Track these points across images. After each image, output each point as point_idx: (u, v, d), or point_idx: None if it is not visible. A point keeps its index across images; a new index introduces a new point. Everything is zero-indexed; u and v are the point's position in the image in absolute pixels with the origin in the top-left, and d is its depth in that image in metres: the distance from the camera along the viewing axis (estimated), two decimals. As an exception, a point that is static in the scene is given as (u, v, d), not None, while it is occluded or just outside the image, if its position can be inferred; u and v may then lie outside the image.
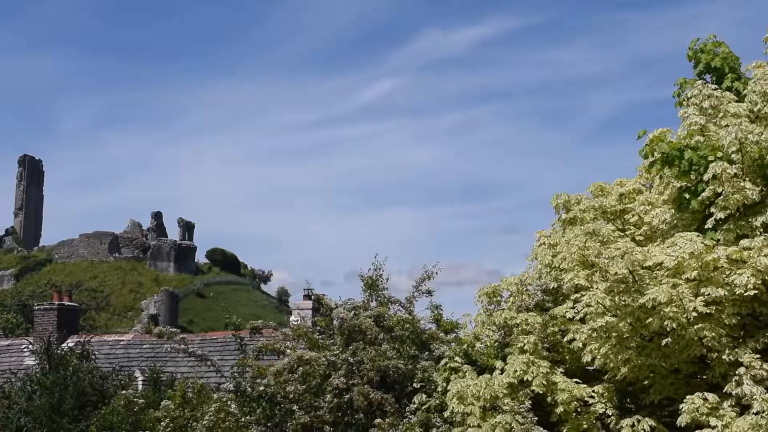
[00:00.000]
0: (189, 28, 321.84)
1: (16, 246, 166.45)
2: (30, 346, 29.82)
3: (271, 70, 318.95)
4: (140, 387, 21.16)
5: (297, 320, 23.46)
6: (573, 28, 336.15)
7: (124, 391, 15.67)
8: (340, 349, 14.65)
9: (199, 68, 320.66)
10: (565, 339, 13.17)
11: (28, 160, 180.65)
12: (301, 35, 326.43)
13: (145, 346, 30.06)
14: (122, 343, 31.08)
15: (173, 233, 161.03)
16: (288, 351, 14.54)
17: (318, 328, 15.93)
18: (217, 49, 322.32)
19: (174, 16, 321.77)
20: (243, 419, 13.82)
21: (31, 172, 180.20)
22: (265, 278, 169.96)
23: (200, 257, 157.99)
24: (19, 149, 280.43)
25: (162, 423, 14.14)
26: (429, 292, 16.28)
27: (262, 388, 13.82)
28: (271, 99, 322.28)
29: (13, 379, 22.10)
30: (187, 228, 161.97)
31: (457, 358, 13.58)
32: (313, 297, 20.00)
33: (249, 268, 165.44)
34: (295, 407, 13.91)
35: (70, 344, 25.30)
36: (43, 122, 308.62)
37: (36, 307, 34.13)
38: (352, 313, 15.22)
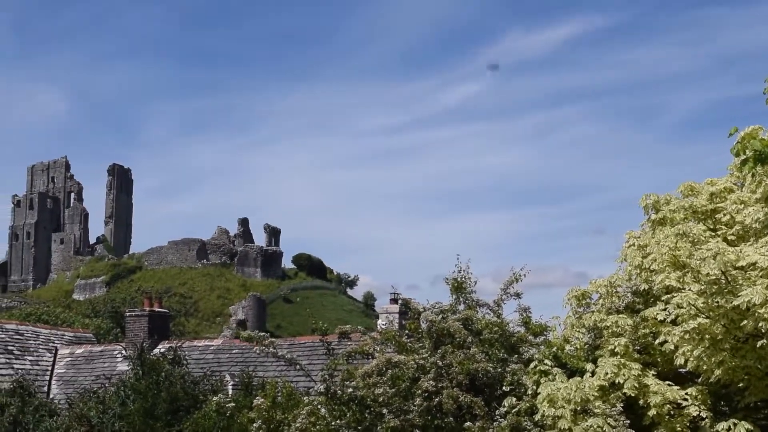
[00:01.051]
0: (271, 34, 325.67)
1: (107, 254, 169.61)
2: (123, 352, 30.36)
3: (354, 74, 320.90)
4: (230, 391, 21.38)
5: (384, 324, 23.50)
6: (657, 26, 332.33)
7: (216, 397, 15.83)
8: (429, 352, 14.63)
9: (283, 73, 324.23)
10: (657, 341, 12.98)
11: (117, 169, 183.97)
12: (384, 38, 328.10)
13: (234, 351, 30.38)
14: (212, 348, 31.43)
15: (259, 239, 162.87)
16: (377, 354, 14.56)
17: (406, 331, 15.92)
18: (300, 54, 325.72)
19: (256, 22, 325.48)
20: (333, 423, 13.88)
21: (121, 181, 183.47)
22: (351, 282, 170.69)
23: (286, 262, 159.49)
24: (109, 159, 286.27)
25: (255, 424, 14.27)
26: (517, 295, 16.17)
27: (351, 390, 13.85)
28: (354, 103, 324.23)
29: (107, 385, 22.49)
30: (273, 234, 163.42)
31: (546, 361, 13.47)
32: (400, 301, 20.01)
33: (335, 273, 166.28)
34: (384, 410, 13.93)
35: (162, 350, 25.66)
36: (131, 131, 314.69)
37: (127, 314, 34.65)
38: (440, 316, 15.19)
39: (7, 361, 32.12)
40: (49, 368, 33.36)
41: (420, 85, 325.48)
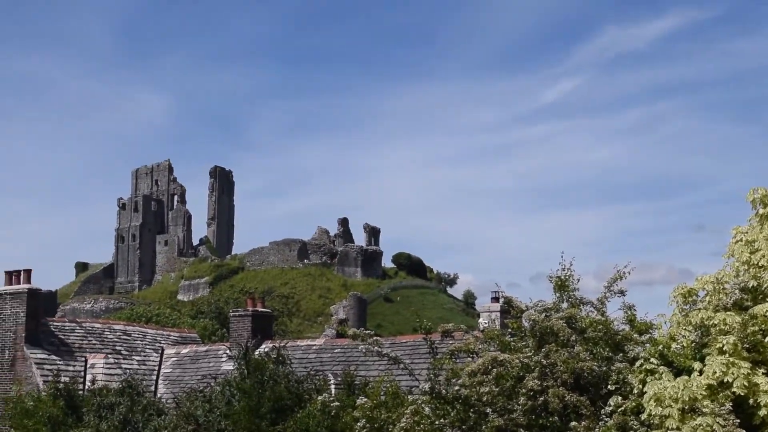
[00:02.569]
0: (374, 33, 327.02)
1: (210, 255, 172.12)
2: (227, 352, 30.79)
3: (455, 71, 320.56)
4: (333, 390, 21.52)
5: (486, 322, 23.42)
6: (758, 17, 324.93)
7: (320, 397, 15.96)
8: (533, 351, 14.54)
9: (385, 73, 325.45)
10: (767, 339, 12.70)
11: (218, 171, 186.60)
12: (484, 36, 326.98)
13: (336, 351, 30.56)
14: (314, 347, 31.66)
15: (359, 239, 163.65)
16: (481, 353, 14.53)
17: (509, 330, 15.84)
18: (402, 53, 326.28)
19: (359, 22, 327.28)
20: (437, 422, 13.87)
21: (222, 183, 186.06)
22: (451, 281, 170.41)
23: (386, 262, 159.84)
24: (212, 160, 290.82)
25: (359, 423, 14.34)
26: (621, 292, 15.96)
27: (456, 388, 13.84)
28: (454, 101, 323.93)
29: (212, 384, 22.83)
30: (373, 233, 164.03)
31: (652, 360, 13.26)
32: (501, 299, 19.91)
33: (434, 272, 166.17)
34: (488, 410, 13.88)
35: (265, 349, 25.93)
36: (234, 133, 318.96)
37: (231, 314, 35.12)
38: (543, 314, 15.08)
39: (116, 361, 32.83)
40: (156, 368, 33.99)
41: (519, 82, 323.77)
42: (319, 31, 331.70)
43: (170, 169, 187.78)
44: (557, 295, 15.97)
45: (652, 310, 16.20)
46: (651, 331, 15.72)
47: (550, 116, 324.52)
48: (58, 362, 31.06)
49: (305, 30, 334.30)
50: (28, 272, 32.04)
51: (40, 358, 31.07)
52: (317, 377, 21.83)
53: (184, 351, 34.80)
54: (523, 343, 15.05)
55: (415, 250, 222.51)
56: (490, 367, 13.90)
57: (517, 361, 14.13)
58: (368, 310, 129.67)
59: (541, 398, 13.74)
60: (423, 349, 26.97)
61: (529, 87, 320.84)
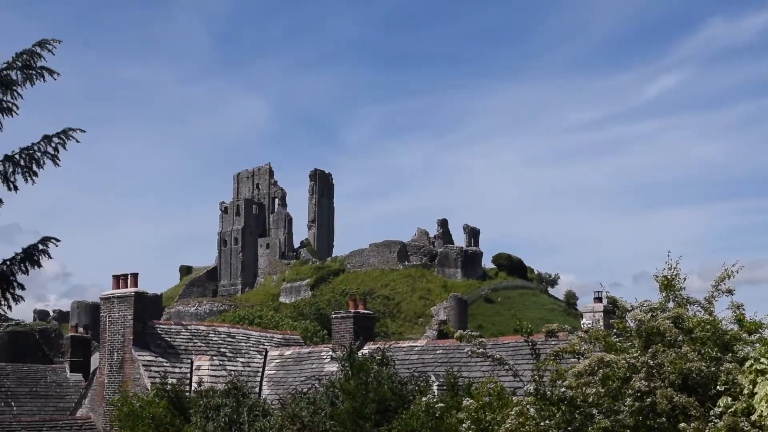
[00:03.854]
0: (469, 32, 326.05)
1: (311, 257, 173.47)
2: (331, 353, 30.98)
3: (552, 69, 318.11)
4: (435, 392, 21.52)
5: (589, 323, 23.16)
6: None
7: (425, 398, 15.98)
8: (639, 351, 14.33)
9: (481, 72, 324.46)
10: None
11: (318, 174, 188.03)
12: (582, 32, 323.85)
13: (438, 352, 30.56)
14: (416, 348, 31.72)
15: (459, 240, 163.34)
16: (586, 353, 14.38)
17: (614, 330, 15.64)
18: (498, 52, 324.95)
19: (455, 22, 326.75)
20: (542, 423, 13.77)
21: (322, 186, 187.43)
22: (552, 281, 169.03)
23: (486, 263, 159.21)
24: (311, 164, 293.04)
25: (463, 425, 14.30)
26: (729, 291, 15.62)
27: (563, 390, 13.72)
28: (553, 99, 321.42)
29: (317, 385, 23.02)
30: (473, 234, 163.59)
31: (763, 360, 12.94)
32: (606, 299, 19.67)
33: (535, 272, 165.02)
34: (594, 411, 13.73)
35: (367, 351, 26.05)
36: (331, 135, 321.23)
37: (333, 315, 35.35)
38: (649, 314, 14.85)
39: (221, 363, 33.32)
40: (260, 370, 34.40)
41: (620, 79, 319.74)
42: (415, 31, 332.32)
43: (271, 173, 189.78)
44: (663, 294, 15.70)
45: (760, 309, 15.83)
46: (761, 330, 15.37)
47: (651, 113, 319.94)
48: (165, 364, 31.65)
49: (400, 31, 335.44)
50: (134, 276, 32.69)
51: (148, 360, 31.68)
52: (420, 378, 21.86)
53: (288, 353, 35.16)
54: (629, 343, 14.84)
55: (515, 250, 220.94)
56: (596, 368, 13.74)
57: (624, 361, 13.94)
58: (469, 311, 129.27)
59: (649, 399, 13.53)
60: (525, 350, 26.77)
61: (629, 84, 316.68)
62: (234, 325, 42.76)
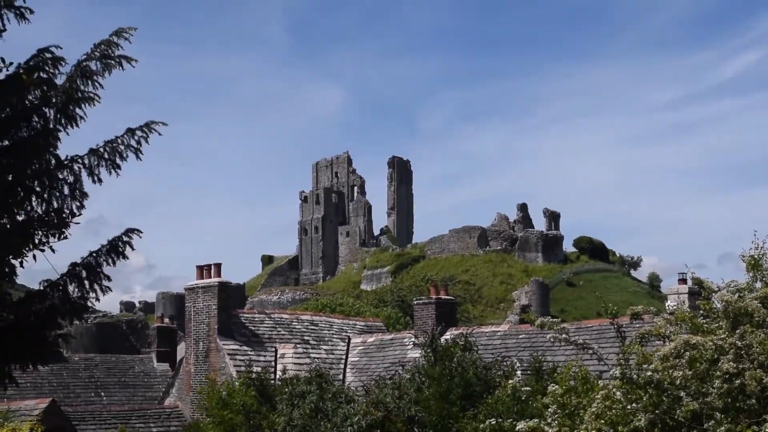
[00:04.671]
0: (549, 15, 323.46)
1: (391, 244, 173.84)
2: (413, 339, 31.04)
3: (629, 50, 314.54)
4: (519, 376, 21.45)
5: (673, 305, 22.87)
6: None
7: (510, 382, 15.95)
8: (726, 333, 14.11)
9: (562, 54, 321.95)
10: None
11: (396, 161, 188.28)
12: (658, 11, 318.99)
13: (521, 336, 30.46)
14: (499, 333, 31.66)
15: (539, 224, 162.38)
16: (672, 336, 14.20)
17: (701, 312, 15.42)
18: (578, 33, 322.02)
19: (528, 5, 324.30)
20: (629, 407, 13.64)
21: (401, 173, 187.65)
22: (635, 264, 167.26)
23: (567, 246, 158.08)
24: (389, 151, 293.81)
25: (549, 409, 14.22)
26: (819, 270, 15.29)
27: (649, 373, 13.57)
28: (631, 79, 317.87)
29: (400, 371, 23.09)
30: (553, 218, 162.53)
31: None
32: (691, 280, 19.42)
33: (617, 255, 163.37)
34: (682, 394, 13.55)
35: (450, 336, 26.05)
36: (410, 123, 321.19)
37: (415, 302, 35.42)
38: (736, 295, 14.61)
39: (305, 350, 33.57)
40: (343, 357, 34.60)
41: (699, 57, 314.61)
42: (491, 16, 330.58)
43: (349, 161, 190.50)
44: (750, 274, 15.44)
45: None
46: None
47: (732, 92, 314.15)
48: (250, 353, 31.99)
49: (476, 16, 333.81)
50: (218, 266, 33.08)
51: (233, 349, 32.04)
52: (504, 363, 21.81)
53: (370, 339, 35.31)
54: (716, 324, 14.62)
55: (596, 233, 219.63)
56: (682, 350, 13.56)
57: (711, 343, 13.74)
58: (551, 296, 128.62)
59: (738, 381, 13.33)
60: (609, 333, 26.57)
61: (709, 62, 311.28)
62: (317, 313, 43.07)
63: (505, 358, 23.49)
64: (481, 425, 17.14)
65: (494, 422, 14.49)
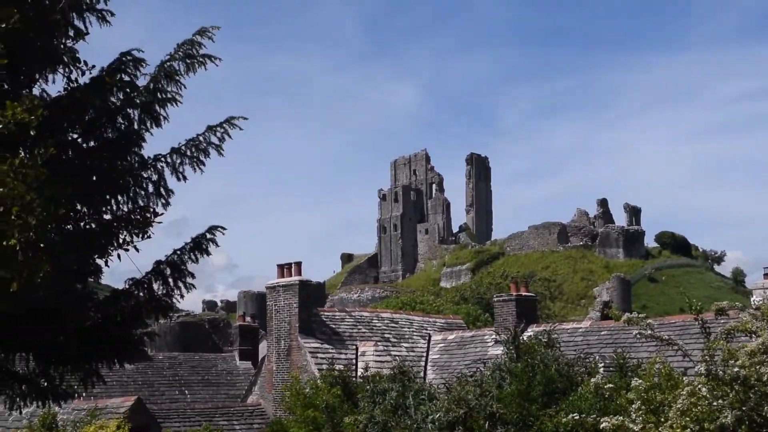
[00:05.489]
0: (624, 7, 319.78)
1: (470, 241, 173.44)
2: (494, 336, 30.93)
3: (706, 41, 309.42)
4: (602, 372, 21.24)
5: (759, 300, 22.47)
6: None
7: (593, 379, 15.79)
8: (815, 328, 13.84)
9: (639, 47, 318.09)
10: None
11: (474, 158, 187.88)
12: (736, 2, 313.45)
13: (603, 333, 30.20)
14: (580, 330, 31.42)
15: (619, 219, 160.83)
16: (759, 331, 13.95)
17: (789, 307, 15.13)
18: (654, 25, 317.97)
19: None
20: (715, 403, 13.44)
21: (479, 170, 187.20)
22: (718, 259, 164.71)
23: (649, 241, 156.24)
24: (466, 148, 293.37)
25: (633, 405, 14.07)
26: None
27: (736, 369, 13.35)
28: (711, 71, 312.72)
29: (482, 369, 23.00)
30: (633, 213, 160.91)
31: None
32: (778, 275, 19.07)
33: (700, 250, 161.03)
34: (770, 390, 13.33)
35: (531, 333, 25.93)
36: (486, 119, 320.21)
37: (495, 299, 35.32)
38: (825, 289, 14.36)
39: (385, 348, 33.66)
40: (424, 354, 34.62)
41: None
42: (566, 9, 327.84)
43: (427, 159, 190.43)
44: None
45: None
46: None
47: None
48: (331, 350, 32.16)
49: (551, 9, 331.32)
50: (298, 265, 33.30)
51: (314, 347, 32.24)
52: (587, 360, 21.63)
53: (451, 337, 35.28)
54: (806, 319, 14.35)
55: (678, 228, 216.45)
56: (769, 346, 13.35)
57: (799, 338, 13.49)
58: (632, 291, 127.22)
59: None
60: (693, 329, 26.22)
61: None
62: (396, 311, 43.15)
63: (588, 354, 23.30)
64: (563, 419, 17.02)
65: (576, 417, 14.35)
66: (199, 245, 12.69)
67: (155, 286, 12.52)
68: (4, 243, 6.46)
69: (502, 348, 22.67)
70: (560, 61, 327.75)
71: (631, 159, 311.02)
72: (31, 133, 7.07)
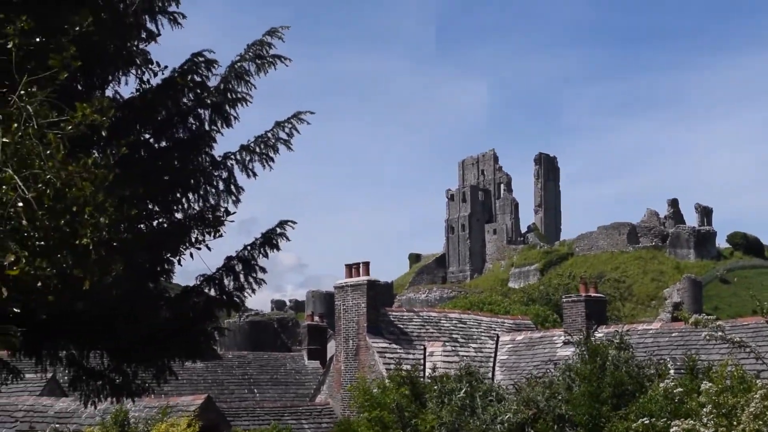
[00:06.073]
0: (693, 6, 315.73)
1: (539, 241, 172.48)
2: (563, 337, 30.75)
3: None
4: (672, 375, 21.01)
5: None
6: None
7: (663, 382, 15.61)
8: None
9: (709, 45, 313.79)
10: None
11: (542, 157, 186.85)
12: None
13: (673, 335, 29.85)
14: (651, 331, 31.09)
15: (690, 219, 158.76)
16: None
17: None
18: (725, 24, 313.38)
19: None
20: (791, 406, 13.23)
21: (547, 169, 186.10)
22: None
23: (720, 242, 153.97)
24: (534, 148, 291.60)
25: (704, 409, 13.89)
26: None
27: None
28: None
29: (551, 370, 22.88)
30: (705, 213, 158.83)
31: None
32: None
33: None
34: None
35: (601, 334, 25.73)
36: (555, 118, 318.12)
37: (564, 299, 35.12)
38: None
39: (453, 348, 33.61)
40: (492, 355, 34.50)
41: None
42: (632, 9, 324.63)
43: (495, 158, 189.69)
44: None
45: None
46: None
47: None
48: (399, 350, 32.17)
49: (618, 9, 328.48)
50: (366, 265, 33.38)
51: (382, 347, 32.29)
52: (658, 362, 21.40)
53: (519, 337, 35.13)
54: None
55: (750, 228, 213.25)
56: None
57: None
58: (703, 293, 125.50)
59: None
60: (766, 331, 25.84)
61: None
62: (465, 311, 43.05)
63: (658, 356, 23.05)
64: (633, 425, 16.84)
65: (647, 422, 14.16)
66: (270, 240, 12.78)
67: (226, 281, 12.64)
68: (78, 242, 6.56)
69: (571, 349, 22.54)
70: (629, 59, 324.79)
71: (702, 158, 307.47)
72: (103, 134, 7.17)
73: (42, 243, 6.53)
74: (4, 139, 6.49)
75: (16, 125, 6.57)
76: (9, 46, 7.29)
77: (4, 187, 6.43)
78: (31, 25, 7.41)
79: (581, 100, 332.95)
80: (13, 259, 6.39)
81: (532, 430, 20.01)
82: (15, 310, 9.33)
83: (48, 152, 6.46)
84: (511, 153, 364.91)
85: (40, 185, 6.43)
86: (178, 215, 11.97)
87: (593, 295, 33.42)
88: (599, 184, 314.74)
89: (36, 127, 6.55)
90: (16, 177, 6.38)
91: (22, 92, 6.81)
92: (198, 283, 12.66)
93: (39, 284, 6.56)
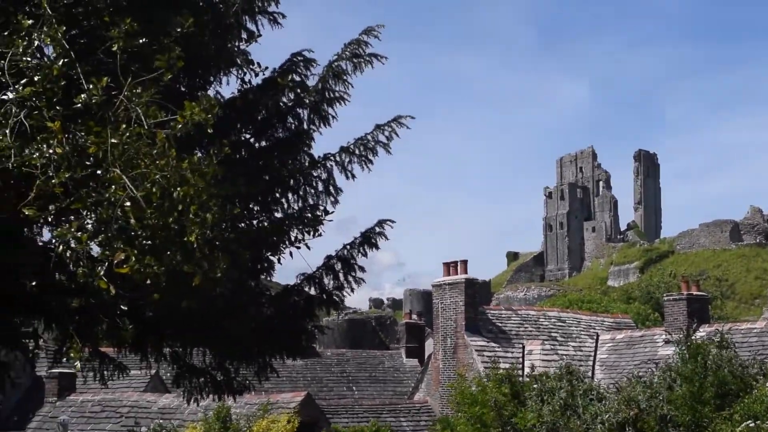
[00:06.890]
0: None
1: (638, 239, 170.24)
2: (665, 336, 30.32)
3: None
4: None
5: None
6: None
7: (768, 382, 15.33)
8: None
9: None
10: None
11: (642, 154, 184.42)
12: None
13: (779, 334, 29.26)
14: (755, 330, 30.56)
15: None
16: None
17: None
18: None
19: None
20: None
21: (647, 166, 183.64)
22: None
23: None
24: (634, 144, 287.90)
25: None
26: None
27: None
28: None
29: (653, 369, 22.57)
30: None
31: None
32: None
33: None
34: None
35: (703, 333, 25.31)
36: (655, 115, 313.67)
37: (665, 298, 34.68)
38: None
39: (552, 347, 33.41)
40: (592, 354, 34.19)
41: None
42: (737, 4, 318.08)
43: (594, 156, 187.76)
44: None
45: None
46: None
47: None
48: (497, 349, 32.08)
49: (721, 2, 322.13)
50: (464, 263, 33.34)
51: (480, 345, 32.23)
52: (765, 362, 20.98)
53: (619, 336, 34.75)
54: None
55: None
56: None
57: None
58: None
59: None
60: None
61: None
62: (563, 310, 42.71)
63: (763, 356, 22.60)
64: (738, 428, 16.54)
65: (752, 424, 13.90)
66: (369, 239, 12.84)
67: (326, 280, 12.75)
68: (185, 239, 6.69)
69: (672, 348, 22.21)
70: (730, 54, 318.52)
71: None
72: (210, 131, 7.29)
73: (150, 241, 6.68)
74: (112, 140, 6.65)
75: (124, 126, 6.73)
76: (114, 48, 7.46)
77: (113, 187, 6.59)
78: (135, 28, 7.57)
79: (682, 97, 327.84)
80: (122, 258, 6.55)
81: (633, 430, 19.75)
82: (122, 307, 9.55)
83: (155, 152, 6.60)
84: (610, 150, 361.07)
85: (147, 184, 6.57)
86: (278, 214, 12.09)
87: (695, 293, 32.92)
88: (700, 181, 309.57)
89: (146, 127, 6.69)
90: (124, 177, 6.53)
91: (128, 93, 6.96)
92: (299, 281, 12.78)
93: (147, 282, 6.71)
